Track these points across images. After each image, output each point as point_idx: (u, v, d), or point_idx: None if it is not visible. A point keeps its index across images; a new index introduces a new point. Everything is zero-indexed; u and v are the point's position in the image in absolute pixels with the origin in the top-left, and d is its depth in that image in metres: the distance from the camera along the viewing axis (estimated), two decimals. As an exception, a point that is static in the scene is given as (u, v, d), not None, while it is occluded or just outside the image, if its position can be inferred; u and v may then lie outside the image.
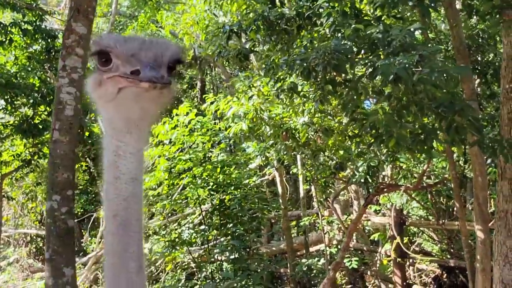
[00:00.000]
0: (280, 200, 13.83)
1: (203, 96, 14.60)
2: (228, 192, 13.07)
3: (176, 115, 12.75)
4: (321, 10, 6.45)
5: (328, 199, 13.87)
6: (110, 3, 19.32)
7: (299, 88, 7.45)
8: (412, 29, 6.03)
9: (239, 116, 8.79)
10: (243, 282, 11.03)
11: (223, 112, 9.26)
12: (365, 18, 6.89)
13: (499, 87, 8.66)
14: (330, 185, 13.41)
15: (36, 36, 12.30)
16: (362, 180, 8.31)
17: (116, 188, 1.59)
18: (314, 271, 12.87)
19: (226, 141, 15.11)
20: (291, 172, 14.80)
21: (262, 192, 14.43)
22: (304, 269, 12.71)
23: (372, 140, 6.59)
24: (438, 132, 6.03)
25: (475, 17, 8.66)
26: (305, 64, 5.91)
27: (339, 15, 6.24)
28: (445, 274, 12.61)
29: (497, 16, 6.35)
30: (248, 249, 12.61)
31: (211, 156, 13.63)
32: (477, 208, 7.94)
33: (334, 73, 6.18)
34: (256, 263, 12.52)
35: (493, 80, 8.62)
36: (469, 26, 8.74)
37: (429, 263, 12.61)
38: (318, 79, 6.24)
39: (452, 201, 12.37)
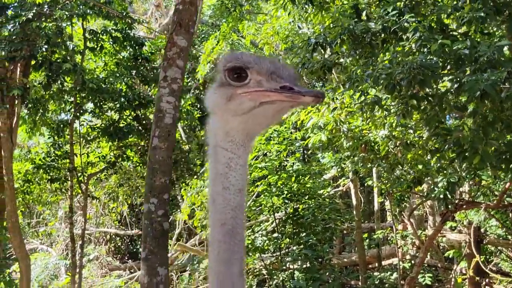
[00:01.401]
0: (354, 212, 13.80)
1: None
2: (302, 201, 13.15)
3: (254, 124, 12.93)
4: (406, 24, 6.47)
5: (402, 213, 13.74)
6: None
7: (383, 102, 7.49)
8: (500, 46, 5.98)
9: (319, 127, 8.88)
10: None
11: (303, 122, 9.35)
12: (451, 33, 6.88)
13: None
14: (406, 199, 13.25)
15: (125, 43, 12.81)
16: (441, 196, 8.22)
17: (225, 198, 1.69)
18: (386, 285, 12.75)
19: (301, 151, 15.23)
20: (365, 184, 14.73)
21: (335, 203, 14.41)
22: (376, 282, 12.62)
23: (455, 156, 6.55)
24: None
25: None
26: (390, 78, 5.95)
27: (425, 30, 6.25)
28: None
29: None
30: (320, 259, 12.63)
31: (286, 165, 13.74)
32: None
33: (418, 88, 6.19)
34: (327, 274, 12.53)
35: None
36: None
37: (508, 284, 12.27)
38: (402, 93, 6.27)
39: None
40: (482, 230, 12.48)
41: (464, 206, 9.90)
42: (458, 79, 5.93)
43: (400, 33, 6.61)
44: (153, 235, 4.81)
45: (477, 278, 11.67)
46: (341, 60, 7.22)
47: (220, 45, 16.58)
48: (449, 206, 8.91)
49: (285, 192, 13.27)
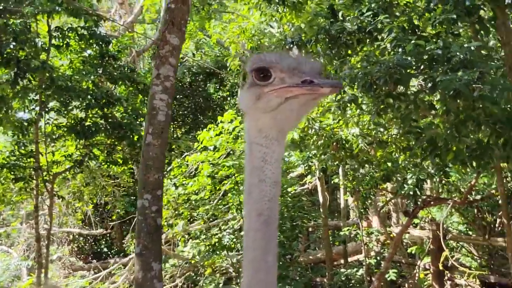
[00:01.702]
0: (321, 210, 13.98)
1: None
2: (270, 199, 13.23)
3: (221, 122, 13.00)
4: (381, 25, 6.65)
5: (367, 210, 14.00)
6: (159, 10, 19.77)
7: (359, 100, 7.66)
8: (471, 47, 6.20)
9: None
10: (285, 289, 11.20)
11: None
12: (423, 34, 7.09)
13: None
14: (371, 196, 13.50)
15: (91, 41, 12.67)
16: (411, 193, 8.45)
17: (261, 190, 1.79)
18: (353, 281, 12.97)
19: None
20: (332, 182, 14.92)
21: (302, 201, 14.55)
22: (343, 278, 12.82)
23: (427, 153, 6.76)
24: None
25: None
26: (367, 77, 6.11)
27: (399, 31, 6.44)
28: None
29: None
30: (289, 257, 12.77)
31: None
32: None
33: (393, 87, 6.36)
34: (294, 271, 12.68)
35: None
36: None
37: (468, 277, 12.61)
38: (378, 92, 6.43)
39: (494, 217, 12.42)
40: (444, 226, 12.79)
41: (432, 203, 10.19)
42: (432, 78, 6.13)
43: (375, 33, 6.78)
44: (147, 231, 4.88)
45: (447, 272, 11.94)
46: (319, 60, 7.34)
47: (186, 43, 16.60)
48: (418, 203, 9.15)
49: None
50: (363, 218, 13.77)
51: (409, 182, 8.62)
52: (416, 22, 7.15)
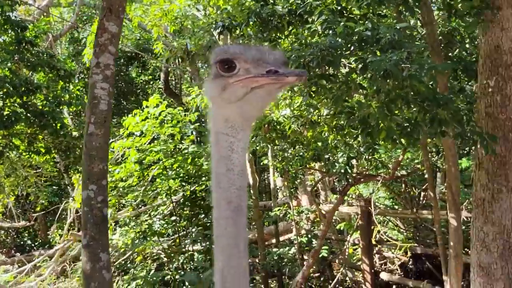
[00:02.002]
0: (251, 191, 14.08)
1: (184, 88, 14.60)
2: (200, 183, 13.23)
3: (146, 107, 12.83)
4: (310, 8, 6.72)
5: (297, 189, 14.23)
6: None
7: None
8: (399, 28, 6.37)
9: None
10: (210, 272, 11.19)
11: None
12: (350, 16, 7.22)
13: (468, 82, 9.17)
14: (300, 176, 13.73)
15: (6, 26, 12.14)
16: (342, 171, 8.64)
17: (229, 179, 1.82)
18: (285, 260, 13.17)
19: (195, 132, 15.26)
20: (261, 164, 15.05)
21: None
22: (275, 258, 13.00)
23: (359, 132, 6.93)
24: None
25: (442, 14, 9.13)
26: (300, 60, 6.18)
27: (330, 13, 6.53)
28: (412, 261, 13.12)
29: (476, 16, 6.75)
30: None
31: (181, 148, 13.71)
32: (450, 197, 8.40)
33: (326, 68, 6.47)
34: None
35: (463, 76, 9.05)
36: (440, 24, 9.15)
37: (395, 250, 13.09)
38: (311, 74, 6.51)
39: (418, 191, 12.91)
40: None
41: (362, 180, 10.48)
42: (363, 59, 6.27)
43: (305, 16, 6.85)
44: (94, 222, 4.80)
45: (378, 246, 12.28)
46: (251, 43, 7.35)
47: (107, 27, 16.16)
48: (349, 180, 9.38)
49: (182, 175, 13.29)
50: (292, 198, 13.98)
51: (340, 160, 8.83)
52: (344, 4, 7.26)
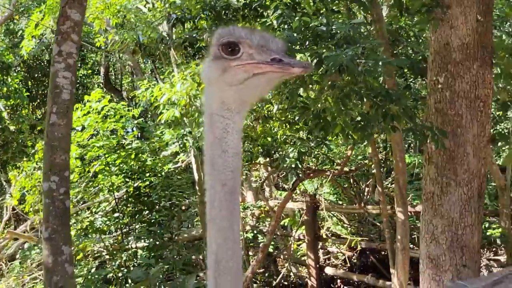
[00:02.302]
0: (197, 187, 13.99)
1: (125, 82, 14.33)
2: (144, 179, 13.05)
3: (88, 101, 12.57)
4: (264, 2, 6.74)
5: (242, 185, 14.21)
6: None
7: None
8: (354, 23, 6.46)
9: (172, 103, 8.91)
10: (165, 268, 11.11)
11: (157, 99, 9.30)
12: (303, 11, 7.26)
13: (415, 79, 9.40)
14: (246, 172, 13.74)
15: None
16: (293, 166, 8.69)
17: (224, 161, 1.84)
18: (231, 256, 13.11)
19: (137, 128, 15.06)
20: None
21: (178, 179, 14.48)
22: (220, 254, 12.91)
23: (313, 127, 6.99)
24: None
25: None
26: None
27: (285, 8, 6.55)
28: (356, 256, 13.35)
29: (427, 14, 6.91)
30: (166, 237, 12.69)
31: (124, 143, 13.49)
32: (397, 191, 8.59)
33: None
34: (174, 250, 12.60)
35: (409, 73, 9.26)
36: (388, 22, 9.32)
37: (340, 245, 13.28)
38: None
39: (363, 185, 13.13)
40: (317, 197, 13.35)
41: (312, 175, 10.57)
42: (318, 54, 6.32)
43: (260, 9, 6.86)
44: (56, 214, 4.68)
45: (324, 241, 12.34)
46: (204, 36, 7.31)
47: (46, 19, 15.74)
48: (300, 175, 9.44)
49: (125, 171, 13.09)
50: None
51: (291, 155, 8.87)
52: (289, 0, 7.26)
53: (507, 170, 10.03)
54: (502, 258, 10.92)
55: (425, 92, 9.08)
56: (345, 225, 13.99)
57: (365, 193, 13.96)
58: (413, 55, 9.22)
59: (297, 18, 6.53)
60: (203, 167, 13.73)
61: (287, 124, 8.11)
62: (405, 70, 9.19)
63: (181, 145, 12.61)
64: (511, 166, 10.12)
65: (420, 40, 9.56)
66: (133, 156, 13.13)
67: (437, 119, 7.02)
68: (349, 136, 6.74)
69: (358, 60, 6.12)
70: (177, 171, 15.67)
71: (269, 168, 14.99)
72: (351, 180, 12.95)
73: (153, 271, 10.03)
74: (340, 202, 14.21)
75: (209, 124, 1.87)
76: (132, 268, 12.21)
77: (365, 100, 6.49)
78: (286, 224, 14.34)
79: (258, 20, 7.04)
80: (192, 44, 7.16)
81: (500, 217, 9.20)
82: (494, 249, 12.31)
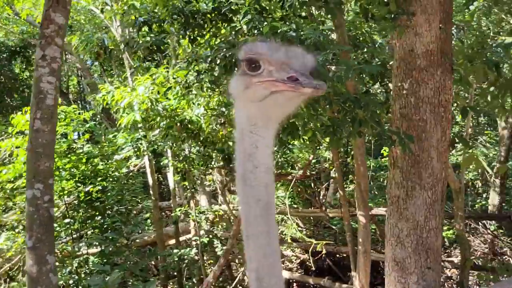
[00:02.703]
0: (151, 192, 13.83)
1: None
2: (96, 183, 12.80)
3: (38, 104, 12.22)
4: (234, 7, 6.74)
5: (197, 190, 14.14)
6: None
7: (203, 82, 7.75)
8: (324, 30, 6.53)
9: (132, 107, 8.80)
10: (120, 274, 10.90)
11: (117, 103, 9.15)
12: (270, 16, 7.29)
13: (373, 85, 9.57)
14: (201, 176, 13.68)
15: None
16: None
17: (256, 177, 1.81)
18: (186, 261, 13.04)
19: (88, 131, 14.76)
20: (161, 164, 14.78)
21: (131, 183, 14.26)
22: (176, 259, 12.83)
23: (281, 131, 7.04)
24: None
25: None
26: (228, 59, 6.17)
27: (255, 13, 6.57)
28: (311, 259, 13.43)
29: (393, 21, 7.04)
30: (127, 242, 12.49)
31: (75, 148, 13.20)
32: (359, 194, 8.71)
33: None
34: (130, 255, 12.42)
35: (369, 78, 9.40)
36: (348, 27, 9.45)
37: (295, 248, 13.36)
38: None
39: (318, 189, 13.26)
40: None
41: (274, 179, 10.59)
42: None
43: (230, 14, 6.85)
44: (40, 222, 4.53)
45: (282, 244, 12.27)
46: (173, 39, 7.24)
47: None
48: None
49: (76, 175, 12.80)
50: (193, 198, 13.89)
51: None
52: (264, 4, 7.30)
53: (461, 173, 10.33)
54: (456, 260, 11.24)
55: (382, 97, 9.28)
56: (300, 229, 14.07)
57: (321, 197, 14.11)
58: (372, 61, 9.38)
59: (265, 23, 6.55)
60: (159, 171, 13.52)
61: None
62: (364, 76, 9.35)
63: (136, 149, 12.43)
64: (465, 169, 10.47)
65: (377, 46, 9.71)
66: (84, 161, 12.85)
67: (402, 124, 7.17)
68: (318, 141, 6.81)
69: (328, 66, 6.19)
70: (130, 175, 15.44)
71: (223, 172, 15.00)
72: (311, 184, 13.03)
73: (111, 278, 9.79)
74: (295, 206, 14.29)
75: (240, 139, 1.86)
76: (83, 275, 11.95)
77: (333, 105, 6.56)
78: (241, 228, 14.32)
79: (228, 24, 7.03)
80: (160, 48, 7.07)
81: (455, 219, 9.45)
82: (447, 250, 12.67)
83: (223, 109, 8.27)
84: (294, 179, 10.58)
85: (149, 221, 16.55)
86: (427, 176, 7.07)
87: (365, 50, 9.15)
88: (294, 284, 13.33)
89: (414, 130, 7.08)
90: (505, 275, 9.87)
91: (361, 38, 9.51)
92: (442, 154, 7.27)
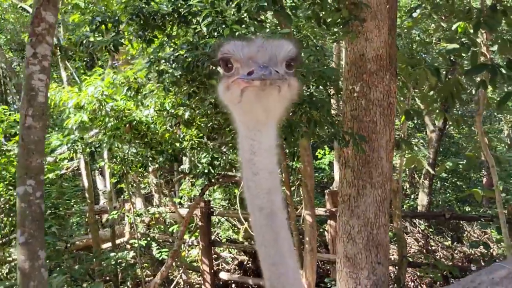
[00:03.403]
0: (87, 194, 13.57)
1: None
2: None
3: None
4: (193, 9, 6.81)
5: (134, 193, 14.02)
6: None
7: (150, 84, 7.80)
8: (282, 34, 6.72)
9: (80, 107, 8.68)
10: (63, 278, 10.67)
11: (64, 103, 8.99)
12: (225, 18, 7.40)
13: (317, 88, 9.85)
14: (139, 179, 13.58)
15: None
16: (206, 171, 8.77)
17: (257, 184, 1.72)
18: (123, 264, 12.89)
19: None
20: (98, 166, 14.54)
21: (65, 186, 13.92)
22: (113, 262, 12.66)
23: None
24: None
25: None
26: (189, 60, 6.26)
27: (216, 15, 6.67)
28: (251, 260, 13.60)
29: (345, 26, 7.33)
30: (66, 245, 12.21)
31: (5, 150, 12.80)
32: (305, 194, 8.96)
33: (213, 69, 6.60)
34: (69, 259, 12.16)
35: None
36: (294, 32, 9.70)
37: (233, 249, 13.48)
38: (196, 74, 6.61)
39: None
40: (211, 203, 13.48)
41: (220, 180, 10.67)
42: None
43: (189, 16, 6.92)
44: (32, 218, 4.46)
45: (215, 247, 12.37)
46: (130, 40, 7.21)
47: None
48: (212, 180, 9.53)
49: (6, 178, 12.42)
50: (130, 201, 13.74)
51: (203, 161, 8.94)
52: (219, 8, 7.37)
53: (399, 174, 10.78)
54: (392, 257, 11.68)
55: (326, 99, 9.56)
56: (237, 230, 14.19)
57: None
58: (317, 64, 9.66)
59: (224, 26, 6.67)
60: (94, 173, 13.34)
61: (210, 130, 8.18)
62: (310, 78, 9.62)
63: (72, 151, 12.19)
64: (402, 170, 10.95)
65: (317, 48, 9.98)
66: (15, 163, 12.47)
67: (353, 125, 7.48)
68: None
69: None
70: (63, 177, 15.06)
71: (158, 175, 14.95)
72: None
73: (55, 282, 9.59)
74: (233, 208, 14.39)
75: (240, 146, 1.77)
76: (13, 281, 11.60)
77: (291, 107, 6.74)
78: (175, 230, 14.27)
79: (188, 27, 7.09)
80: (117, 48, 7.03)
81: (393, 218, 9.85)
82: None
83: (175, 110, 8.28)
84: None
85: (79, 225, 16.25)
86: (377, 175, 7.42)
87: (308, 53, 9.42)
88: (233, 285, 13.43)
89: (365, 131, 7.41)
90: (444, 271, 10.41)
91: (304, 42, 9.77)
92: (389, 154, 7.66)
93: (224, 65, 1.70)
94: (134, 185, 14.12)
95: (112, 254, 12.96)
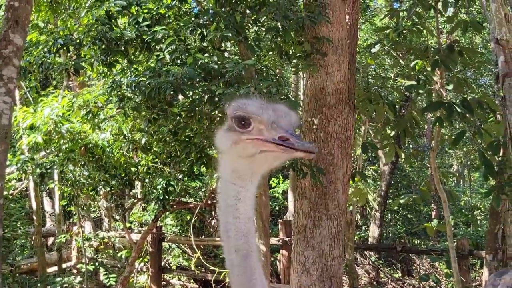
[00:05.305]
0: (34, 217, 13.23)
1: None
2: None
3: None
4: (159, 36, 6.81)
5: (84, 216, 13.74)
6: None
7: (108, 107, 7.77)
8: (246, 64, 6.77)
9: (36, 128, 8.51)
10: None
11: (19, 123, 8.81)
12: (189, 48, 7.42)
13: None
14: (90, 202, 13.34)
15: None
16: (161, 197, 8.69)
17: (236, 227, 1.85)
18: (70, 289, 12.58)
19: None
20: (47, 188, 14.19)
21: (12, 207, 13.54)
22: (58, 287, 12.34)
23: (195, 160, 7.18)
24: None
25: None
26: (152, 86, 6.23)
27: (179, 43, 6.69)
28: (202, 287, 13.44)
29: (307, 59, 7.44)
30: (11, 268, 11.84)
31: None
32: (260, 224, 8.95)
33: (172, 97, 6.59)
34: (15, 282, 11.80)
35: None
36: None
37: (183, 277, 13.32)
38: (157, 101, 6.58)
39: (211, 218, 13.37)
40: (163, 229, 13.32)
41: (175, 206, 10.58)
42: (210, 90, 6.53)
43: (152, 43, 6.91)
44: None
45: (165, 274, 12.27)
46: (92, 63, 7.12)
47: None
48: (167, 206, 9.44)
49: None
50: (79, 224, 13.46)
51: (158, 187, 8.86)
52: (182, 36, 7.38)
53: (352, 206, 10.91)
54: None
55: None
56: (188, 257, 14.02)
57: (213, 225, 14.21)
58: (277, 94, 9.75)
59: (187, 54, 6.70)
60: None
61: (168, 156, 8.12)
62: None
63: (21, 171, 11.88)
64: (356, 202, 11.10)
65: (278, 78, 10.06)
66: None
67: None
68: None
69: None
70: (11, 198, 14.64)
71: (108, 198, 14.69)
72: (211, 212, 13.10)
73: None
74: (184, 234, 14.24)
75: (224, 191, 1.90)
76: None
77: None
78: (123, 256, 14.04)
79: (151, 53, 7.08)
80: (78, 71, 6.95)
81: (345, 250, 9.95)
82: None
83: (133, 135, 8.21)
84: (199, 207, 10.63)
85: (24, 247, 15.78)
86: (333, 207, 7.49)
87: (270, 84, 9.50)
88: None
89: (323, 163, 7.49)
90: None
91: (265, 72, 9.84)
92: (345, 187, 7.76)
93: (238, 121, 1.80)
94: (84, 208, 13.81)
95: (58, 278, 12.65)
